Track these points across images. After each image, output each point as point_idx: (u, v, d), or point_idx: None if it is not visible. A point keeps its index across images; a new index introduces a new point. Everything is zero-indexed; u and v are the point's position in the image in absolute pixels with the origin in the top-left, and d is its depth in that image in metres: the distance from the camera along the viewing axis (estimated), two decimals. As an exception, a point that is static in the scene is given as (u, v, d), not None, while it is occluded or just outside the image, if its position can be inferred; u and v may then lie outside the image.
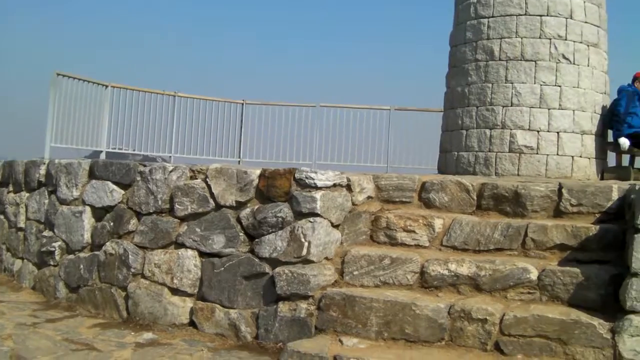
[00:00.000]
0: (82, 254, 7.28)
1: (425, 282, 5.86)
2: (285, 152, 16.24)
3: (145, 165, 6.96)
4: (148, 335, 6.19)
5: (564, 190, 6.28)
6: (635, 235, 5.16)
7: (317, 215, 6.00)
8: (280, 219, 6.11)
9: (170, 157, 14.80)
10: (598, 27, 10.06)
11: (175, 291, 6.56)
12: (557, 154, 9.32)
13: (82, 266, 7.19)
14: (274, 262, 6.09)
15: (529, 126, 9.32)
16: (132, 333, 6.27)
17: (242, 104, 16.36)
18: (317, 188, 6.05)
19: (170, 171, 6.76)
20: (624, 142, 9.91)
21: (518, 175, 9.16)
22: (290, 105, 16.38)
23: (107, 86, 12.99)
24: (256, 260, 6.19)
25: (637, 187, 5.56)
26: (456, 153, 9.86)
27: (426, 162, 15.22)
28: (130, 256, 6.76)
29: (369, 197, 6.72)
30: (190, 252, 6.53)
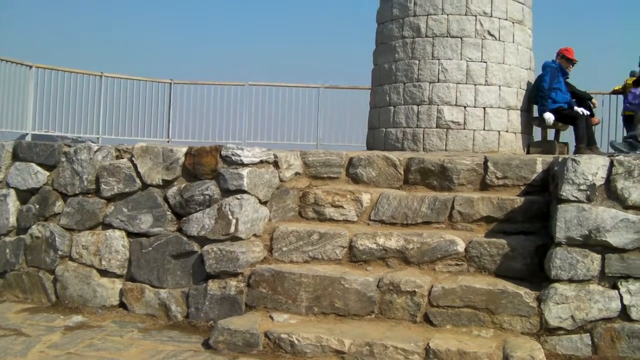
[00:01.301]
0: (7, 238, 7.06)
1: (354, 257, 5.87)
2: (215, 131, 16.17)
3: (70, 146, 6.79)
4: (77, 318, 6.06)
5: (489, 164, 6.35)
6: (559, 206, 5.26)
7: (245, 192, 5.94)
8: (207, 196, 6.04)
9: (98, 138, 14.56)
10: (523, 4, 10.21)
11: (104, 273, 6.42)
12: (484, 129, 9.44)
13: (7, 250, 6.99)
14: (203, 241, 6.02)
15: (456, 102, 9.42)
16: (62, 317, 6.13)
17: (170, 83, 16.20)
18: (243, 165, 6.00)
19: (96, 151, 6.61)
20: (549, 116, 10.08)
21: (446, 150, 9.25)
22: (219, 84, 16.28)
23: (31, 67, 12.70)
24: (184, 239, 6.11)
25: (560, 160, 5.65)
26: (384, 129, 9.90)
27: (356, 140, 15.31)
28: (57, 239, 6.60)
29: (296, 174, 6.70)
30: (118, 232, 6.41)
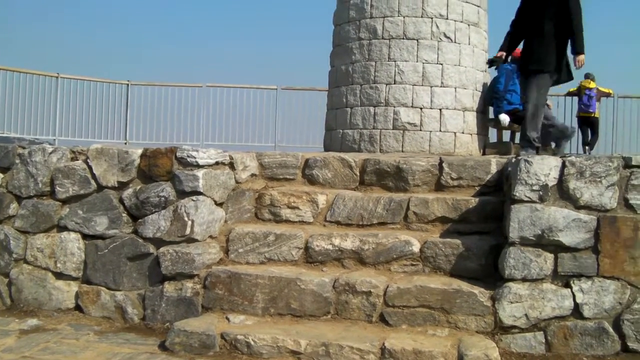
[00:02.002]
0: (-40, 242, 6.96)
1: (310, 258, 5.88)
2: (173, 133, 16.14)
3: (24, 148, 6.71)
4: (33, 322, 5.98)
5: (444, 165, 6.41)
6: (512, 206, 5.32)
7: (200, 193, 5.93)
8: (163, 198, 6.01)
9: (54, 140, 14.41)
10: (478, 6, 10.28)
11: (59, 275, 6.35)
12: (440, 131, 9.51)
13: (-40, 254, 6.89)
14: (158, 242, 5.99)
15: (412, 103, 9.46)
16: (17, 320, 6.05)
17: (128, 84, 16.07)
18: (199, 166, 5.98)
19: (50, 153, 6.53)
20: (504, 118, 10.17)
21: (402, 151, 9.28)
22: (177, 86, 16.23)
23: (-17, 68, 12.51)
24: (140, 240, 6.08)
25: (513, 160, 5.71)
26: (341, 131, 9.91)
27: (314, 141, 15.36)
28: (11, 241, 6.51)
29: (253, 175, 6.69)
30: (73, 234, 6.34)
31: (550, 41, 8.10)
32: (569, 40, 8.17)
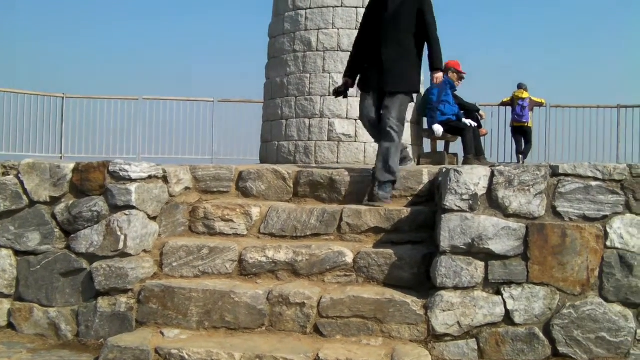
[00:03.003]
0: None
1: (244, 270, 5.87)
2: (109, 146, 15.94)
3: (-49, 163, 6.57)
4: (-37, 340, 5.86)
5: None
6: (443, 216, 5.40)
7: (133, 207, 5.87)
8: (95, 213, 5.94)
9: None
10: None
11: (-9, 293, 6.23)
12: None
13: None
14: (92, 257, 5.91)
15: (347, 115, 9.53)
16: (-54, 339, 5.92)
17: (62, 97, 15.84)
18: (131, 180, 5.93)
19: (-21, 168, 6.41)
20: (438, 128, 10.32)
21: (338, 162, 9.34)
22: (113, 99, 16.04)
23: None
24: (73, 256, 5.98)
25: (444, 170, 5.79)
26: (277, 143, 9.93)
27: (251, 153, 15.35)
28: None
29: (187, 188, 6.66)
30: (4, 251, 6.21)
31: (411, 58, 6.90)
32: (422, 56, 7.07)
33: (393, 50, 6.76)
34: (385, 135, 6.68)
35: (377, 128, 6.96)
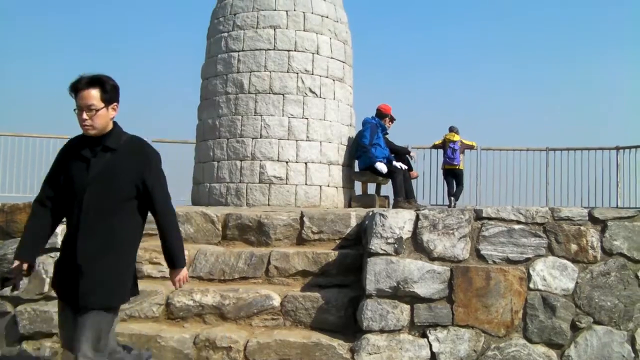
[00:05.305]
0: None
1: (172, 314, 5.83)
2: (39, 185, 15.59)
3: None
4: None
5: (305, 219, 6.50)
6: (368, 259, 5.45)
7: (58, 250, 5.78)
8: (19, 255, 5.82)
9: None
10: (344, 62, 10.53)
11: None
12: (306, 184, 9.60)
13: None
14: (16, 300, 5.83)
15: (278, 157, 9.54)
16: None
17: (-3, 136, 15.57)
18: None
19: None
20: (382, 166, 10.36)
21: (269, 205, 9.32)
22: (45, 137, 15.76)
23: None
24: (-4, 299, 5.87)
25: (370, 214, 5.85)
26: (208, 184, 9.88)
27: (184, 194, 15.18)
28: None
29: (115, 231, 6.58)
30: None
31: (120, 256, 4.10)
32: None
33: (92, 242, 3.96)
34: None
35: None
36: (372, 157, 10.43)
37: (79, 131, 4.04)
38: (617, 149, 14.47)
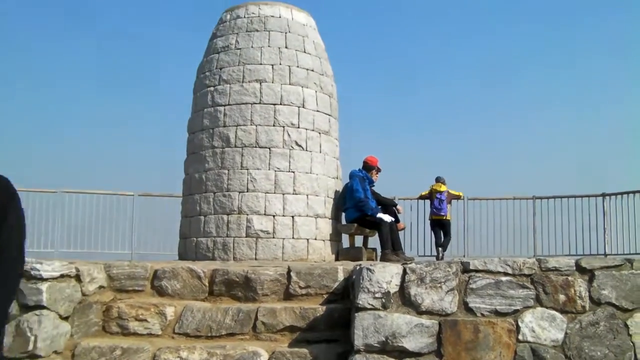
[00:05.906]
0: None
1: (158, 372, 5.75)
2: (26, 240, 15.45)
3: None
4: None
5: (292, 274, 6.48)
6: (356, 314, 5.42)
7: (44, 307, 5.74)
8: (4, 314, 5.76)
9: None
10: (329, 115, 10.59)
11: None
12: (293, 238, 9.59)
13: None
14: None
15: (265, 211, 9.54)
16: None
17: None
18: (43, 279, 5.80)
19: None
20: (387, 217, 10.35)
21: (256, 259, 9.29)
22: (30, 191, 15.70)
23: None
24: (-21, 359, 5.78)
25: (357, 268, 5.83)
26: (195, 239, 9.86)
27: (172, 248, 15.09)
28: None
29: (101, 287, 6.53)
30: None
31: None
32: None
33: None
34: None
35: None
36: (372, 210, 10.41)
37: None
38: (604, 195, 14.51)
